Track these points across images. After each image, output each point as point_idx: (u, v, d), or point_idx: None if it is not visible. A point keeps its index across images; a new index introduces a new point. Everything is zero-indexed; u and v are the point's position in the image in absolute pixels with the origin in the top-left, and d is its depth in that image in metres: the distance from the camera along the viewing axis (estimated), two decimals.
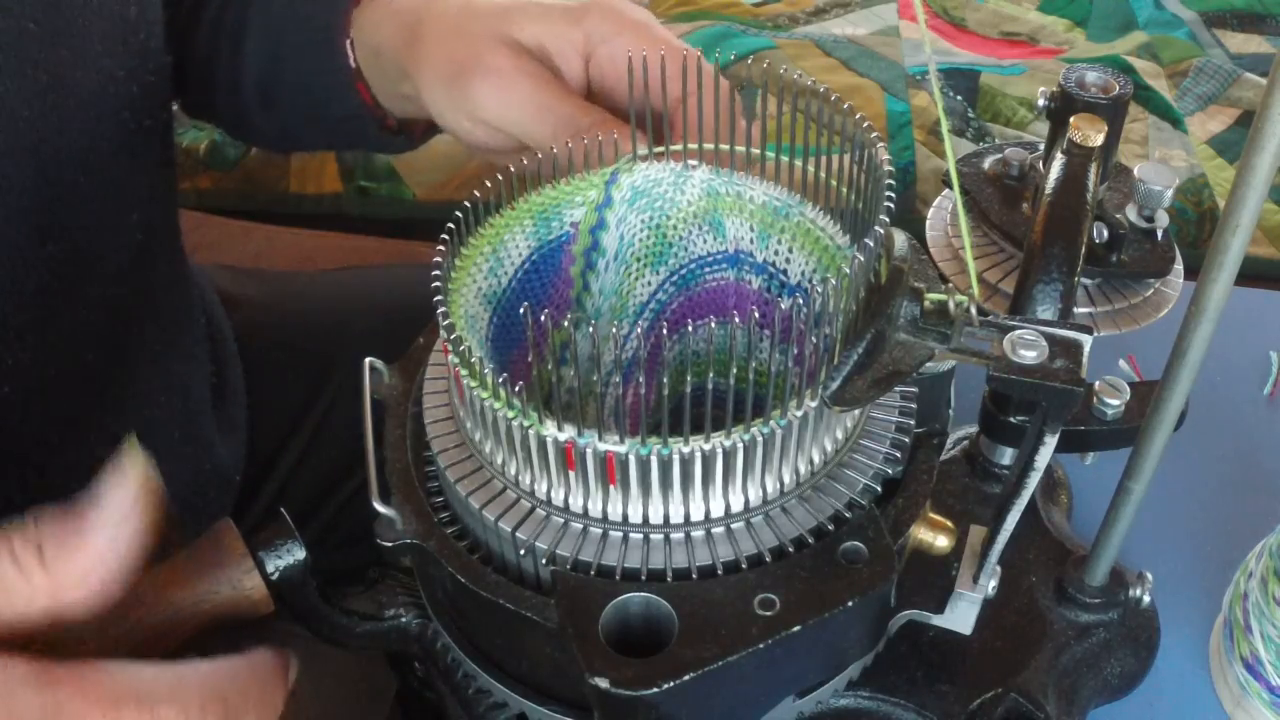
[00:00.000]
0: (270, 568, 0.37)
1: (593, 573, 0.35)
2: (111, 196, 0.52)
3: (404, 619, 0.42)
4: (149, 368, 0.57)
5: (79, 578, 0.30)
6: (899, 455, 0.38)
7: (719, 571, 0.35)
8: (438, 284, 0.37)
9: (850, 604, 0.34)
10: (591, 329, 0.37)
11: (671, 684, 0.32)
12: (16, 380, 0.48)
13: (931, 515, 0.39)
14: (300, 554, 0.37)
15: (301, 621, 0.39)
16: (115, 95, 0.51)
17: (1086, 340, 0.35)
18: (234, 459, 0.66)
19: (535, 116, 0.49)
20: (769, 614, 0.34)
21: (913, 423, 0.39)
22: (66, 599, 0.30)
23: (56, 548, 0.30)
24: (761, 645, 0.33)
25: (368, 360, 0.42)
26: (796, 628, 0.33)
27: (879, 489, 0.37)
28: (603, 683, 0.32)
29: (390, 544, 0.38)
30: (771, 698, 0.37)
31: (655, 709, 0.32)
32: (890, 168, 0.38)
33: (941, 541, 0.39)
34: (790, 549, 0.36)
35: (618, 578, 0.35)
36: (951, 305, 0.37)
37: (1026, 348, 0.35)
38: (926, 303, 0.37)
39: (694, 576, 0.35)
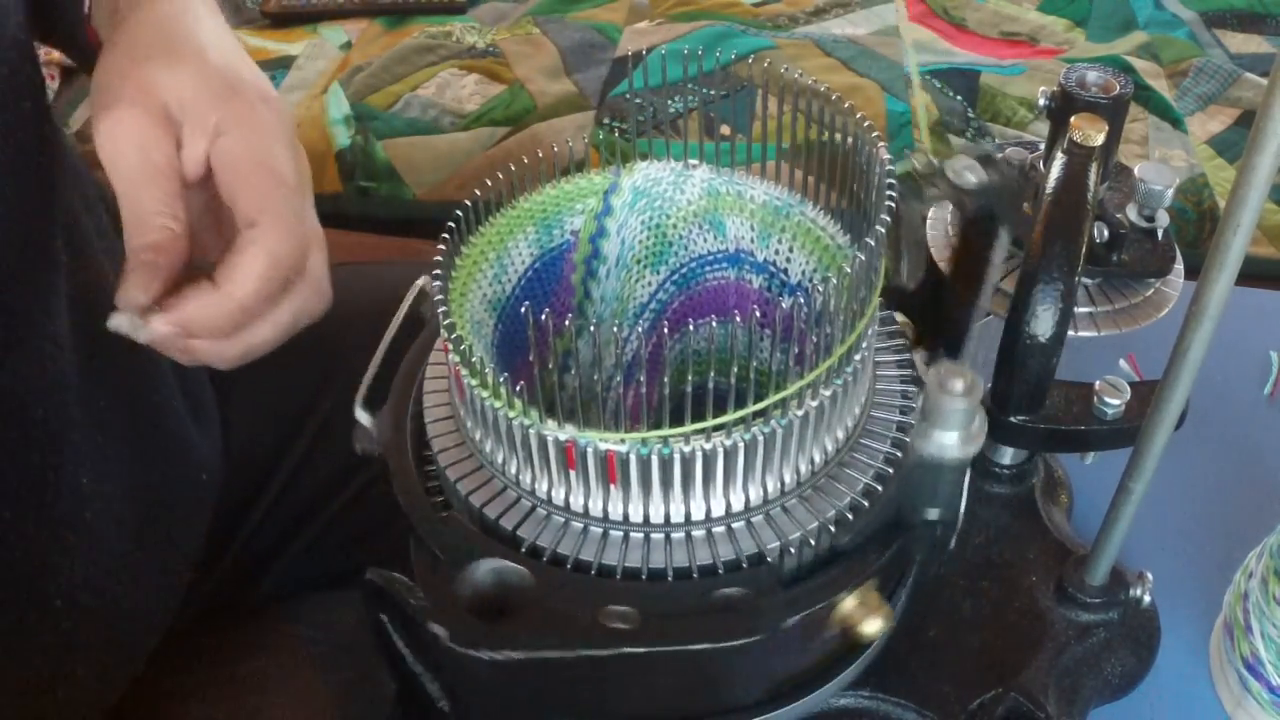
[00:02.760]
0: None
1: (593, 571, 0.35)
2: None
3: None
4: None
5: None
6: (900, 454, 0.38)
7: (719, 571, 0.35)
8: (439, 283, 0.37)
9: (702, 646, 0.32)
10: (593, 330, 0.37)
11: (498, 655, 0.31)
12: None
13: (871, 593, 0.36)
14: None
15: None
16: None
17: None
18: (212, 451, 0.65)
19: (124, 192, 0.45)
20: (620, 626, 0.32)
21: (913, 423, 0.39)
22: None
23: None
24: (594, 653, 0.32)
25: (421, 279, 0.43)
26: (640, 649, 0.32)
27: (880, 488, 0.37)
28: (437, 629, 0.32)
29: (360, 451, 0.40)
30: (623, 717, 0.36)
31: (484, 671, 0.32)
32: (891, 167, 0.38)
33: (871, 626, 0.35)
34: (790, 550, 0.36)
35: (618, 576, 0.35)
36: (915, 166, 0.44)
37: (969, 171, 0.45)
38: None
39: (695, 576, 0.35)
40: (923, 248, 0.52)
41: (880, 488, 0.37)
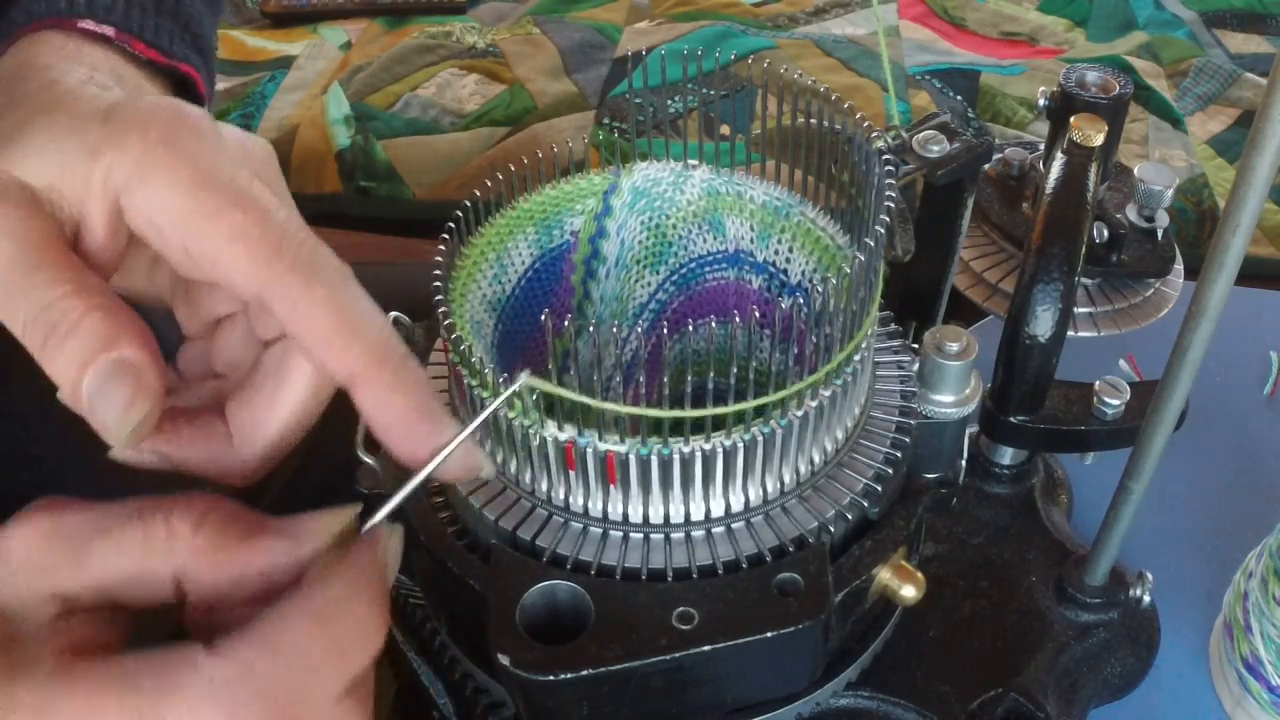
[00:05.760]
0: None
1: (593, 571, 0.35)
2: None
3: None
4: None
5: None
6: (900, 456, 0.38)
7: (719, 570, 0.35)
8: (438, 284, 0.37)
9: (769, 634, 0.33)
10: (593, 330, 0.37)
11: (569, 675, 0.32)
12: None
13: (902, 563, 0.37)
14: None
15: None
16: None
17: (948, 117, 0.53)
18: None
19: (1, 302, 0.32)
20: (684, 628, 0.33)
21: (912, 423, 0.39)
22: None
23: None
24: (669, 657, 0.32)
25: (392, 314, 0.41)
26: (706, 647, 0.33)
27: (879, 488, 0.37)
28: (504, 660, 0.32)
29: (367, 491, 0.39)
30: (690, 714, 0.36)
31: (554, 696, 0.32)
32: (891, 167, 0.38)
33: (909, 591, 0.37)
34: (791, 547, 0.36)
35: (618, 575, 0.35)
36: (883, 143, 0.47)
37: (933, 143, 0.50)
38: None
39: (694, 575, 0.35)
40: (910, 220, 0.53)
41: (891, 470, 0.38)
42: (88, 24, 0.43)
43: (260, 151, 0.38)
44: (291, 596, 0.29)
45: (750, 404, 0.34)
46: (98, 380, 0.31)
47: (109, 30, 0.43)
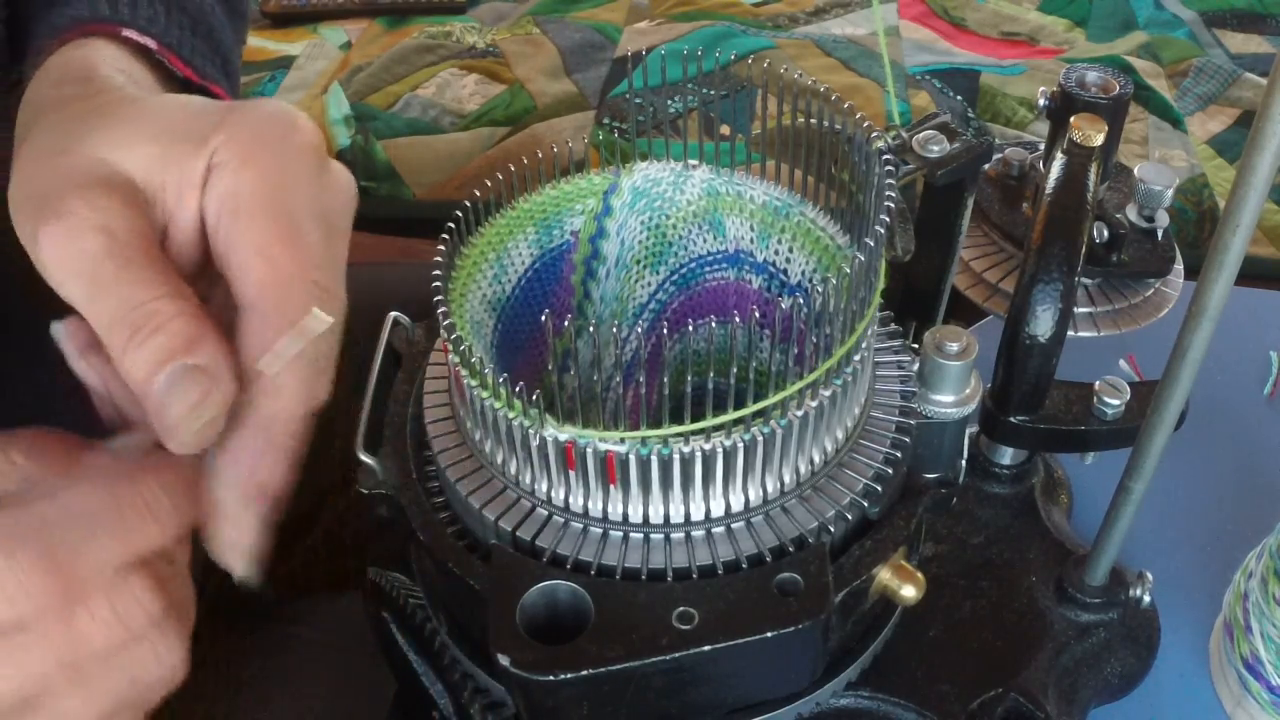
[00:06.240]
0: None
1: (593, 571, 0.35)
2: None
3: None
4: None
5: None
6: (900, 456, 0.38)
7: (719, 570, 0.35)
8: (438, 284, 0.37)
9: (769, 634, 0.33)
10: (593, 330, 0.37)
11: (569, 675, 0.32)
12: None
13: (902, 563, 0.37)
14: None
15: None
16: None
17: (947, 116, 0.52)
18: None
19: (90, 294, 0.32)
20: (684, 628, 0.33)
21: (912, 423, 0.40)
22: None
23: None
24: (669, 657, 0.32)
25: (392, 314, 0.42)
26: (706, 647, 0.33)
27: (879, 488, 0.37)
28: (504, 660, 0.32)
29: (367, 491, 0.39)
30: (690, 714, 0.36)
31: (554, 696, 0.32)
32: (891, 167, 0.38)
33: (909, 591, 0.37)
34: (791, 547, 0.36)
35: (618, 575, 0.35)
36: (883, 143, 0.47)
37: (933, 143, 0.51)
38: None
39: (694, 575, 0.35)
40: (910, 220, 0.53)
41: (891, 470, 0.38)
42: (131, 33, 0.43)
43: (347, 191, 0.40)
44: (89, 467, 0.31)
45: (749, 409, 0.34)
46: (169, 383, 0.32)
47: (151, 42, 0.44)
